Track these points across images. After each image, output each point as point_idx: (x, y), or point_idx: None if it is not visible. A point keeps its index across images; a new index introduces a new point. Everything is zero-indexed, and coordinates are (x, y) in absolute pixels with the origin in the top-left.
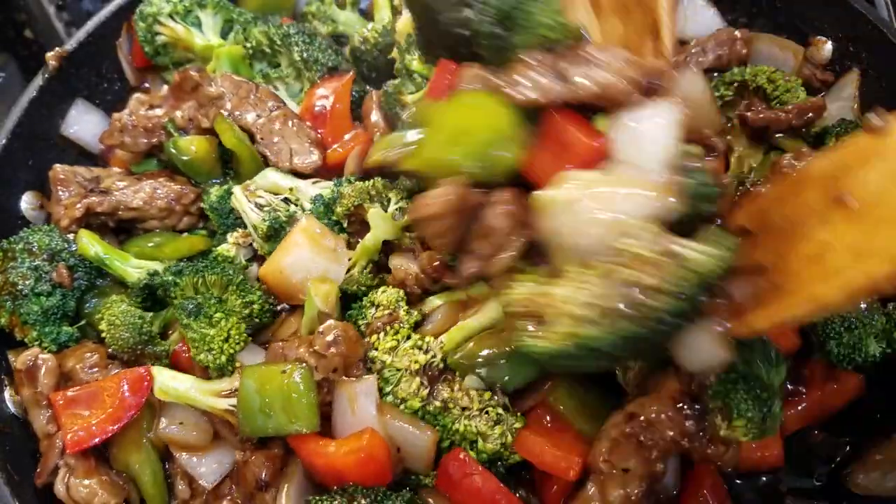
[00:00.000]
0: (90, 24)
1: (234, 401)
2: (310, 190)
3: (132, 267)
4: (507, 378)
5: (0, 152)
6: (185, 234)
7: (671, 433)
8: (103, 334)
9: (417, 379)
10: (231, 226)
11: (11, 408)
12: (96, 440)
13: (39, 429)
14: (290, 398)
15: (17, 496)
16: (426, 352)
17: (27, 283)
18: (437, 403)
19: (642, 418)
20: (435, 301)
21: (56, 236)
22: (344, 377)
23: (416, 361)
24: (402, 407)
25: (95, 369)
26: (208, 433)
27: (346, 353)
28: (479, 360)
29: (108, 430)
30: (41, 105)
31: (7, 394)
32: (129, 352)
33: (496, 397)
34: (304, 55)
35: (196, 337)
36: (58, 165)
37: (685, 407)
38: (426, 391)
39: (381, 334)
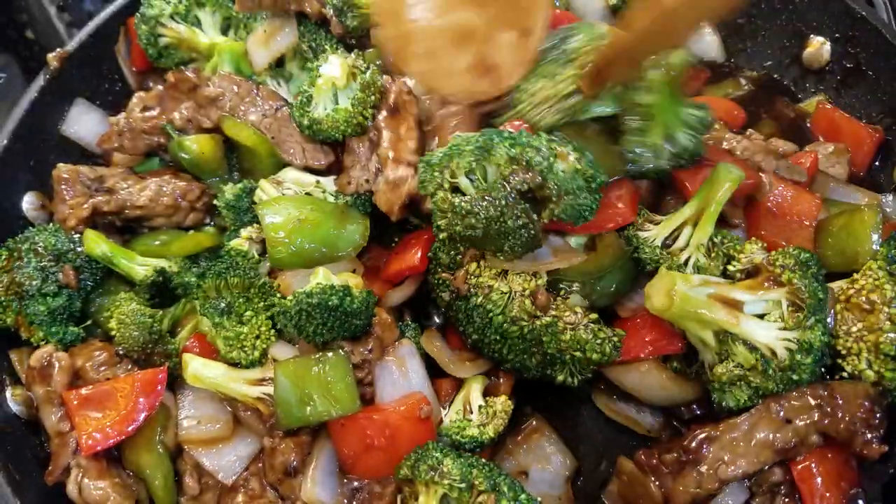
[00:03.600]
0: (91, 25)
1: (266, 388)
2: (332, 185)
3: (139, 265)
4: (600, 295)
5: (1, 153)
6: (192, 232)
7: (850, 419)
8: (112, 333)
9: (528, 300)
10: (248, 222)
11: (13, 407)
12: (111, 442)
13: (51, 427)
14: (327, 385)
15: (18, 495)
16: (536, 275)
17: (33, 283)
18: (547, 319)
19: (840, 400)
20: None
21: (62, 236)
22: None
23: (526, 286)
24: (513, 327)
25: (105, 367)
26: (229, 424)
27: (380, 335)
28: (583, 277)
29: (123, 433)
30: (42, 106)
31: (8, 393)
32: (139, 351)
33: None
34: (312, 44)
35: (231, 335)
36: (61, 164)
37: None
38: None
39: (481, 262)
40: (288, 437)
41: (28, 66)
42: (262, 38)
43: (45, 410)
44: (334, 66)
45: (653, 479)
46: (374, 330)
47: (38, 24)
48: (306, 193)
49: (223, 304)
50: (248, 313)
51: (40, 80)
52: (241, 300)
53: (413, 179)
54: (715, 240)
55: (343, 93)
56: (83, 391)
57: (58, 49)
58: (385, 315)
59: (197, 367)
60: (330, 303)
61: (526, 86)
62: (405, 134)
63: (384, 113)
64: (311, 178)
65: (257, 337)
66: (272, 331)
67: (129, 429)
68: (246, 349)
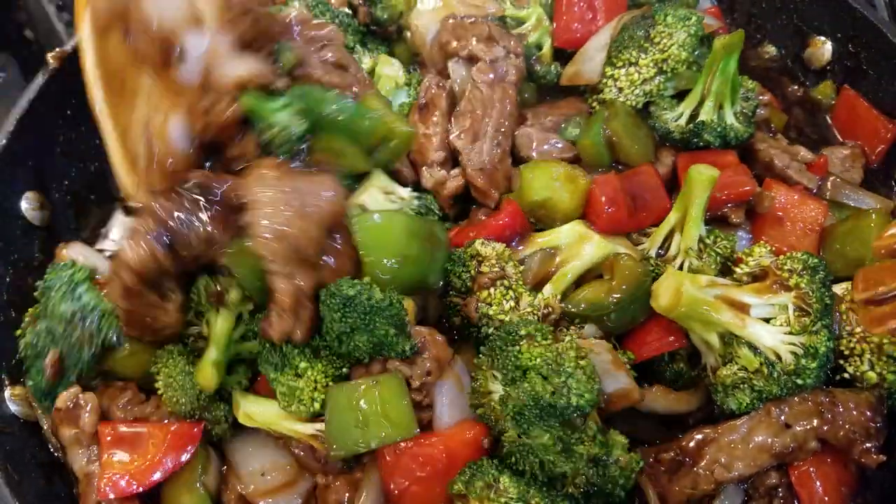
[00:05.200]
0: None
1: (319, 425)
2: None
3: None
4: (617, 326)
5: (0, 152)
6: None
7: (850, 427)
8: (160, 392)
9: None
10: None
11: (12, 407)
12: (128, 492)
13: (79, 469)
14: (383, 408)
15: (17, 496)
16: (546, 310)
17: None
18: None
19: (841, 408)
20: (528, 249)
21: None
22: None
23: (537, 318)
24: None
25: (131, 406)
26: (293, 467)
27: (437, 355)
28: (597, 308)
29: (143, 485)
30: (41, 105)
31: (7, 393)
32: (188, 416)
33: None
34: (335, 21)
35: (285, 391)
36: None
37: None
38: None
39: (493, 290)
40: (341, 474)
41: (27, 66)
42: None
43: (73, 452)
44: (395, 66)
45: (649, 477)
46: (428, 350)
47: (38, 23)
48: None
49: (277, 359)
50: (303, 365)
51: (39, 80)
52: (295, 351)
53: (454, 180)
54: (707, 241)
55: (401, 91)
56: (121, 427)
57: (57, 48)
58: (438, 334)
59: (248, 407)
60: (346, 292)
61: (610, 71)
62: (431, 131)
63: (415, 111)
64: (406, 190)
65: (314, 389)
66: (330, 379)
67: (150, 480)
68: (304, 402)
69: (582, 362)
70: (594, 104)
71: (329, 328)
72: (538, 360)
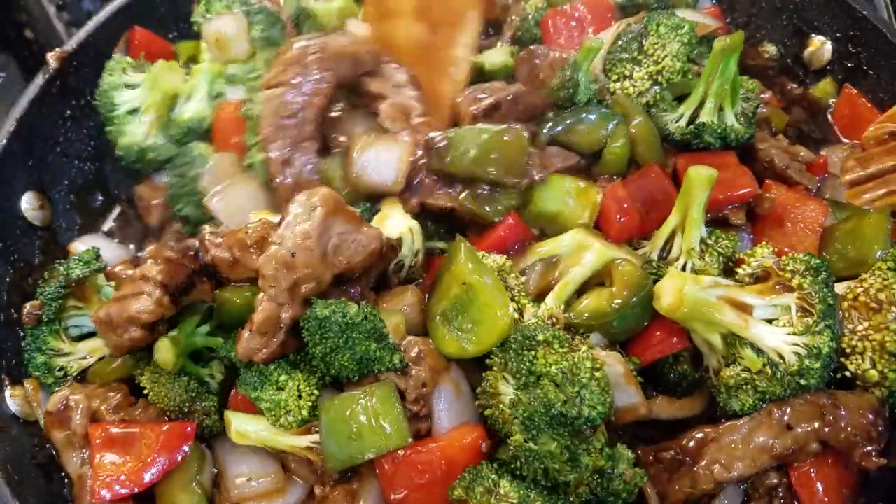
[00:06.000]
0: (91, 25)
1: (314, 437)
2: None
3: None
4: (621, 332)
5: (0, 152)
6: None
7: (851, 430)
8: (146, 391)
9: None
10: None
11: (12, 407)
12: (123, 493)
13: (73, 472)
14: (376, 418)
15: (16, 495)
16: (550, 321)
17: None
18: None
19: (843, 411)
20: (528, 259)
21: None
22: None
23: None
24: None
25: (121, 409)
26: (280, 474)
27: (432, 366)
28: (600, 316)
29: (138, 485)
30: (41, 105)
31: (7, 393)
32: (177, 411)
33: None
34: (265, 34)
35: (270, 406)
36: None
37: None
38: None
39: None
40: (339, 484)
41: (27, 66)
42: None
43: (66, 455)
44: None
45: (649, 475)
46: (424, 361)
47: (37, 23)
48: None
49: (255, 378)
50: (283, 378)
51: (39, 80)
52: (271, 368)
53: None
54: (708, 241)
55: None
56: (112, 429)
57: (57, 48)
58: (433, 344)
59: (240, 425)
60: (320, 314)
61: (607, 85)
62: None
63: None
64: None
65: (298, 397)
66: (314, 386)
67: (143, 481)
68: (292, 413)
69: (597, 374)
70: None
71: (313, 353)
72: (553, 367)
